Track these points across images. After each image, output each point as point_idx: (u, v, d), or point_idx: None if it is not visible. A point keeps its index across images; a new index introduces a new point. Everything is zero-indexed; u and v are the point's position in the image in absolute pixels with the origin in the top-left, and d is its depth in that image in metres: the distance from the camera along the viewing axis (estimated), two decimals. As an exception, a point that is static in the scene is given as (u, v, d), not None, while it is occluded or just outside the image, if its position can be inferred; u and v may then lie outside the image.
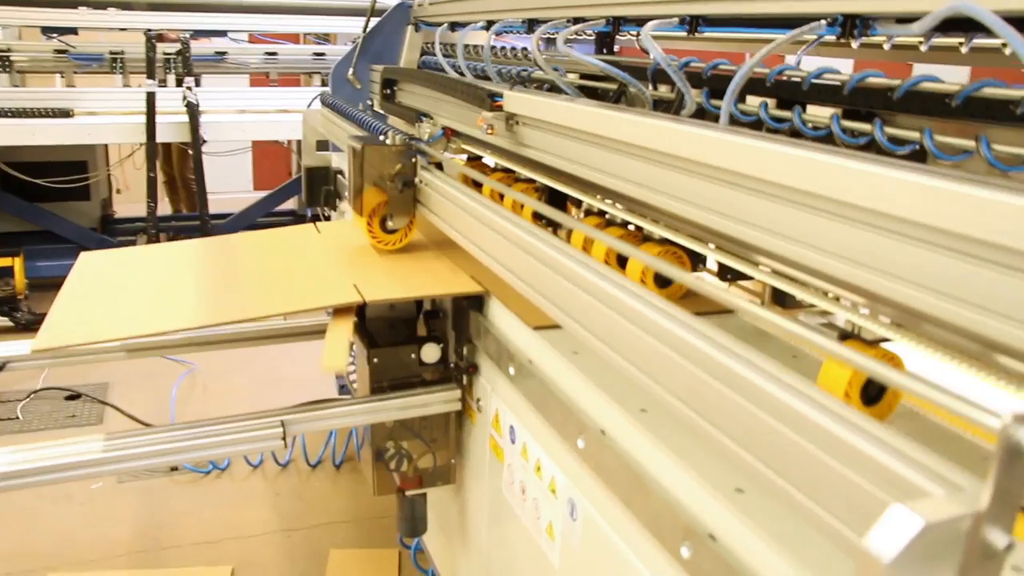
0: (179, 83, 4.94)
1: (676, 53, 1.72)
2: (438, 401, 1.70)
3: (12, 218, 5.10)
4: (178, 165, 5.95)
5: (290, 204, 5.99)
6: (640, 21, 1.72)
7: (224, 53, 5.22)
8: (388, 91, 2.88)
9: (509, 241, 1.42)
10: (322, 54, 5.46)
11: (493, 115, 1.79)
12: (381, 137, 1.90)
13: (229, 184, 7.37)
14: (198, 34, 5.05)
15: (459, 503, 1.86)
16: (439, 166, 1.98)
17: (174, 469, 3.10)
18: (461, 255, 1.84)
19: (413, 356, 1.70)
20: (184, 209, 6.10)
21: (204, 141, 4.52)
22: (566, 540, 1.32)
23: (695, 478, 0.98)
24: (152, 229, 4.56)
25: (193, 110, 4.43)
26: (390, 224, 1.82)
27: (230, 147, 5.50)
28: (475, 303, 1.63)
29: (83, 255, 2.14)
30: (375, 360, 1.69)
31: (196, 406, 3.66)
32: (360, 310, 1.83)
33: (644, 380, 1.03)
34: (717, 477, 0.96)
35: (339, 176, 3.06)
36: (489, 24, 2.47)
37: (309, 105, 3.24)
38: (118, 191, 5.90)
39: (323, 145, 3.29)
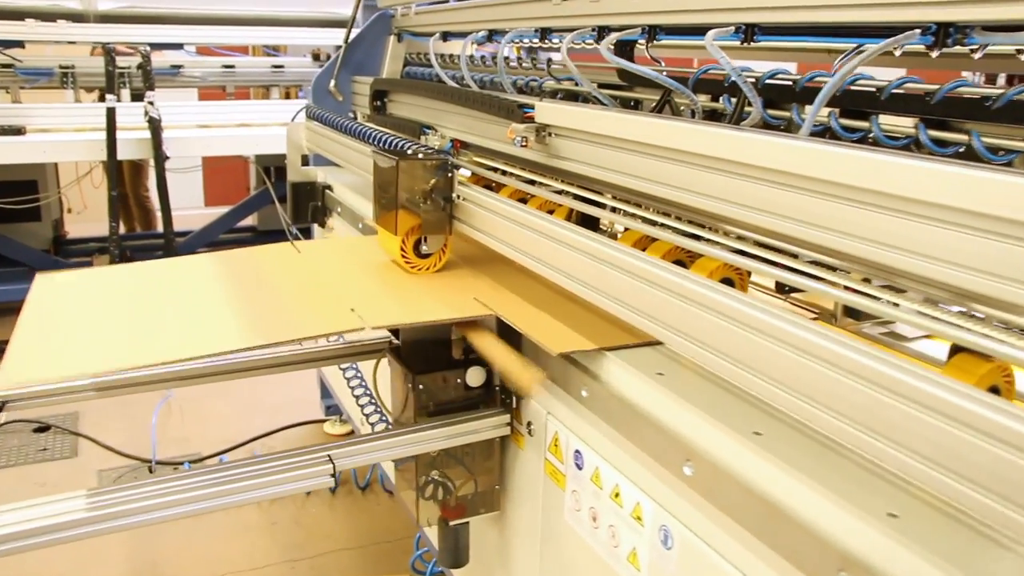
0: (134, 98, 4.77)
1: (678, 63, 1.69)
2: (487, 427, 1.63)
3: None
4: (131, 183, 5.76)
5: (249, 220, 5.85)
6: (675, 30, 1.69)
7: (180, 66, 5.06)
8: (378, 103, 2.81)
9: (592, 257, 1.37)
10: (280, 66, 5.33)
11: (525, 127, 1.73)
12: (409, 151, 1.82)
13: (180, 201, 7.17)
14: (153, 47, 4.88)
15: (502, 531, 1.79)
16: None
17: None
18: (502, 272, 1.78)
19: (459, 381, 1.63)
20: (138, 228, 5.90)
21: (167, 157, 4.36)
22: (657, 568, 1.26)
23: (841, 503, 0.93)
24: (115, 249, 4.37)
25: (155, 125, 4.27)
26: (424, 248, 1.74)
27: (185, 163, 5.34)
28: (524, 321, 1.56)
29: (39, 277, 1.98)
30: (420, 386, 1.61)
31: (174, 434, 3.52)
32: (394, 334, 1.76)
33: (784, 397, 0.98)
34: (864, 501, 0.92)
35: (327, 191, 2.96)
36: (491, 34, 2.42)
37: (293, 119, 3.13)
38: (69, 210, 5.68)
39: (304, 160, 3.20)
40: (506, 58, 2.75)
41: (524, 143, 1.71)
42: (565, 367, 1.42)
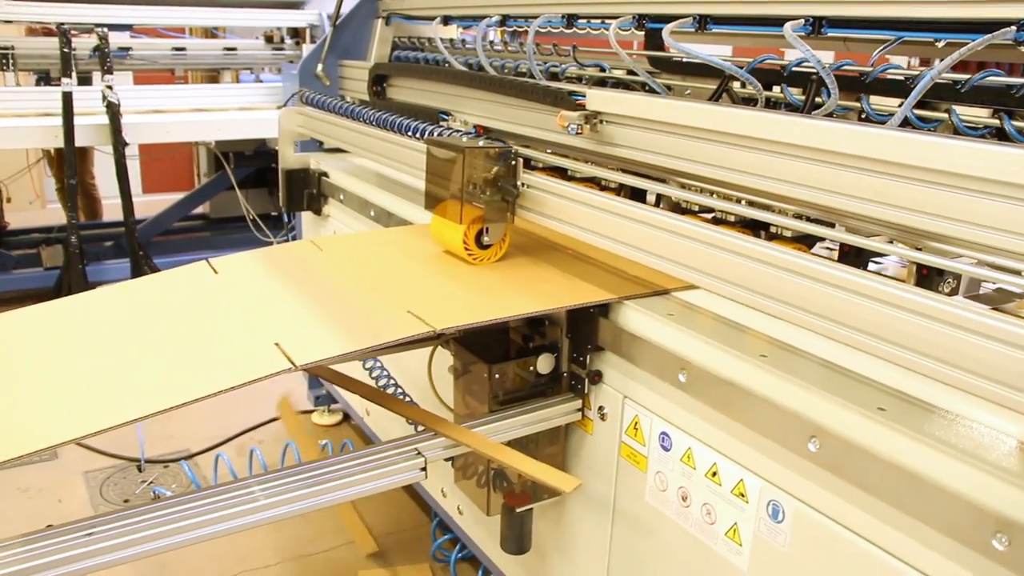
0: (81, 82, 4.58)
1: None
2: (559, 413, 1.65)
3: None
4: (78, 170, 5.54)
5: (200, 209, 5.71)
6: (726, 20, 1.73)
7: (128, 49, 4.88)
8: (377, 88, 2.78)
9: (700, 243, 1.40)
10: (233, 49, 5.19)
11: (578, 114, 1.74)
12: (465, 138, 1.82)
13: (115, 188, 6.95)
14: (96, 28, 4.69)
15: (562, 515, 1.81)
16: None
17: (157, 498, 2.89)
18: (566, 261, 1.79)
19: (532, 368, 1.65)
20: (83, 217, 5.69)
21: (126, 144, 4.22)
22: (763, 543, 1.31)
23: (989, 470, 0.99)
24: (75, 239, 4.22)
25: (114, 110, 4.13)
26: (485, 238, 1.74)
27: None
28: (602, 309, 1.59)
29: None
30: (496, 376, 1.62)
31: (157, 431, 3.43)
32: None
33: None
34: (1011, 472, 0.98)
35: (323, 178, 2.92)
36: (504, 19, 2.42)
37: (285, 104, 3.07)
38: (8, 200, 5.45)
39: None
40: (505, 43, 2.76)
41: (580, 130, 1.72)
42: (659, 353, 1.45)
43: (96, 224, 5.56)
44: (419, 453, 1.49)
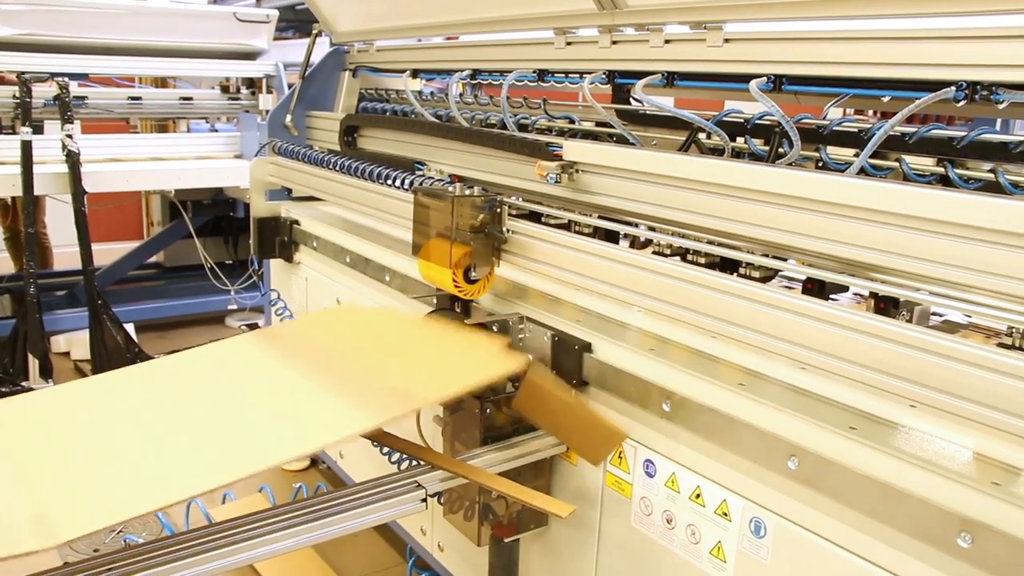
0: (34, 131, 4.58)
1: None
2: (545, 446, 1.75)
3: None
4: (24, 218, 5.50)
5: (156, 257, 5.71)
6: (692, 76, 1.88)
7: (84, 98, 4.90)
8: (348, 138, 2.88)
9: (677, 279, 1.53)
10: (189, 98, 5.24)
11: (556, 164, 1.86)
12: (450, 189, 1.92)
13: (61, 237, 6.89)
14: (52, 76, 4.71)
15: (547, 544, 1.90)
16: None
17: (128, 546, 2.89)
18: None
19: (519, 403, 1.74)
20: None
21: (85, 193, 4.23)
22: (747, 558, 1.42)
23: (954, 477, 1.12)
24: (32, 288, 4.20)
25: (75, 159, 4.15)
26: (473, 274, 1.85)
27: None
28: (586, 346, 1.70)
29: None
30: (488, 410, 1.71)
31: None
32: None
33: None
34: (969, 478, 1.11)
35: (295, 226, 3.00)
36: (475, 73, 2.55)
37: (257, 154, 3.15)
38: (-44, 249, 5.38)
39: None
40: (476, 95, 2.89)
41: (558, 179, 1.84)
42: (643, 385, 1.56)
43: (48, 273, 5.50)
44: (419, 485, 1.56)
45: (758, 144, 1.79)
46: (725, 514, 1.46)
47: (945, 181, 1.56)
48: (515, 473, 1.79)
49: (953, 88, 1.37)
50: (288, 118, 3.21)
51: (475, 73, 2.53)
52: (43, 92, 4.52)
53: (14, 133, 4.47)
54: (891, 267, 1.31)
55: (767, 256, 1.56)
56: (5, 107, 4.55)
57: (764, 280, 1.57)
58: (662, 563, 1.59)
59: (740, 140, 1.85)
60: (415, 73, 2.84)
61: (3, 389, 4.18)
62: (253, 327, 5.20)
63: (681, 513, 1.54)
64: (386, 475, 1.61)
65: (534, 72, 2.28)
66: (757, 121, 1.79)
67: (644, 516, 1.63)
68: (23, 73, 4.25)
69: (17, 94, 4.33)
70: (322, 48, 3.33)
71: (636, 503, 1.64)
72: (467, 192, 1.88)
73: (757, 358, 1.47)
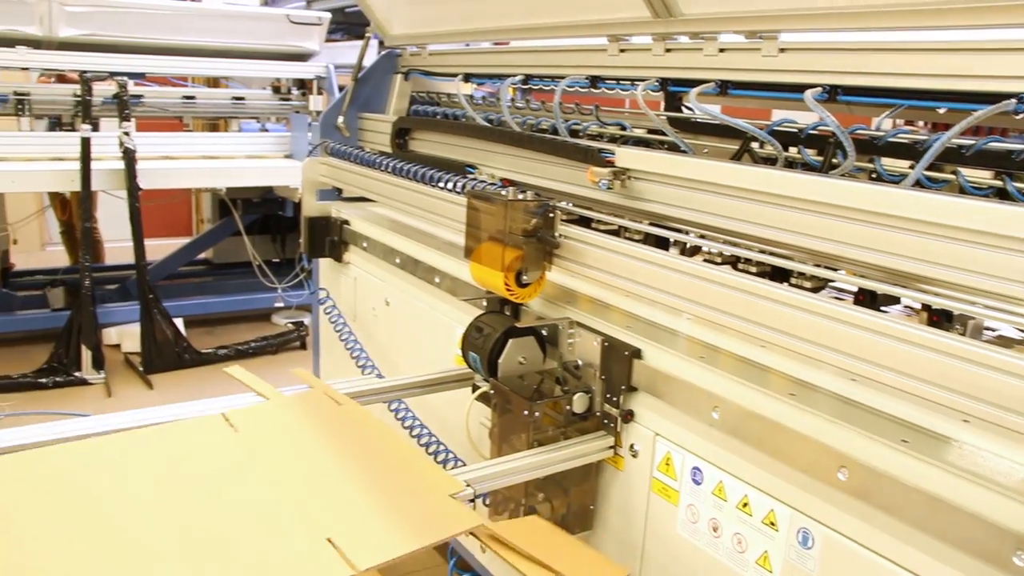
0: (95, 128, 4.71)
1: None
2: (593, 450, 1.76)
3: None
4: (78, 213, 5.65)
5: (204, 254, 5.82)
6: (745, 85, 1.88)
7: (141, 96, 5.01)
8: (400, 140, 2.92)
9: (729, 288, 1.54)
10: (241, 98, 5.34)
11: (608, 171, 1.87)
12: (504, 192, 1.94)
13: (113, 232, 7.05)
14: (113, 76, 4.83)
15: (596, 549, 1.91)
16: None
17: None
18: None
19: (568, 407, 1.76)
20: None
21: (140, 189, 4.33)
22: (793, 569, 1.42)
23: (1009, 494, 1.11)
24: (87, 281, 4.31)
25: (130, 156, 4.25)
26: (524, 278, 1.87)
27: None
28: (635, 352, 1.71)
29: None
30: (536, 414, 1.73)
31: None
32: (494, 362, 1.87)
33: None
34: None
35: (345, 226, 3.04)
36: (527, 79, 2.57)
37: (309, 154, 3.20)
38: (15, 242, 5.53)
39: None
40: (527, 100, 2.91)
41: (610, 185, 1.86)
42: (693, 392, 1.57)
43: (102, 267, 5.63)
44: (467, 484, 1.59)
45: (811, 154, 1.79)
46: (772, 524, 1.46)
47: (1003, 194, 1.54)
48: (562, 476, 1.81)
49: (1014, 100, 1.36)
50: (340, 119, 3.25)
51: (527, 78, 2.55)
52: (101, 91, 4.65)
53: (73, 130, 4.60)
54: (945, 280, 1.30)
55: (819, 266, 1.56)
56: (66, 105, 4.68)
57: (815, 290, 1.57)
58: (708, 571, 1.60)
59: (793, 150, 1.85)
60: (467, 77, 2.87)
61: (58, 378, 4.30)
62: (299, 324, 5.28)
63: (728, 521, 1.55)
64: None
65: (587, 78, 2.29)
66: (811, 131, 1.79)
67: (690, 524, 1.63)
68: (85, 72, 4.36)
69: (78, 92, 4.45)
70: (374, 51, 3.37)
71: (683, 510, 1.65)
72: (520, 196, 1.89)
73: (807, 368, 1.47)
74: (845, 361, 1.39)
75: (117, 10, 4.64)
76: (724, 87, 1.89)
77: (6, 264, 5.29)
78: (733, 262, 1.74)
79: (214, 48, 5.04)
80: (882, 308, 1.60)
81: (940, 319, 1.49)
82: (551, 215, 1.87)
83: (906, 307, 1.75)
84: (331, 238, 3.08)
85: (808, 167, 1.78)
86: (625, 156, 1.88)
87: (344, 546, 1.30)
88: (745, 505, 1.51)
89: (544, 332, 1.92)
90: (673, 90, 2.05)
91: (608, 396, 1.77)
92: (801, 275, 1.60)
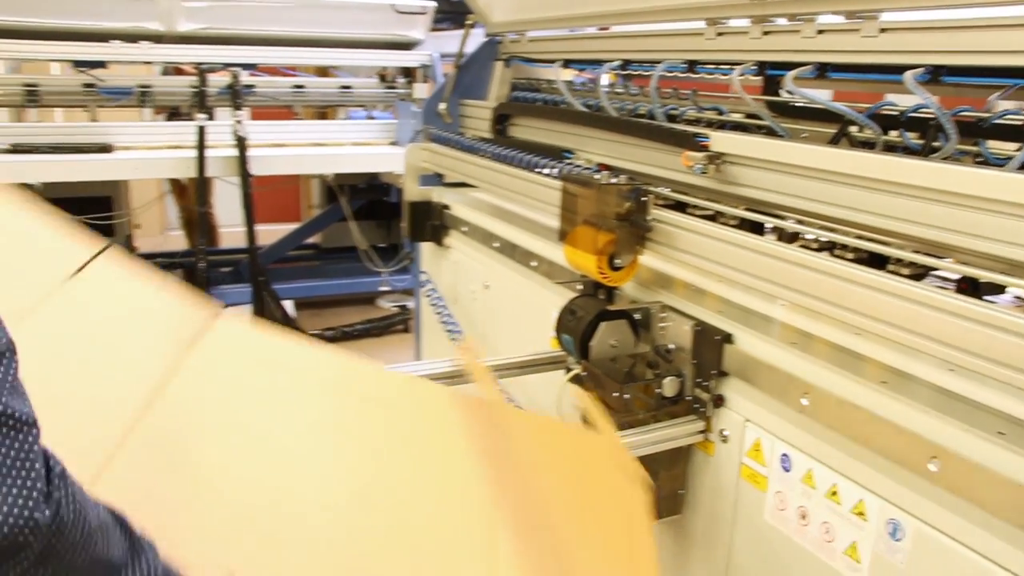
0: (210, 117, 4.92)
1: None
2: (683, 434, 1.76)
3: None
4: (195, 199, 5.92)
5: (313, 238, 6.01)
6: (845, 68, 1.84)
7: (252, 86, 5.20)
8: (499, 126, 2.96)
9: (824, 274, 1.52)
10: (349, 87, 5.48)
11: (702, 155, 1.86)
12: (597, 177, 1.96)
13: (227, 218, 7.34)
14: (227, 67, 5.03)
15: (679, 533, 1.91)
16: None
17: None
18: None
19: (657, 391, 1.76)
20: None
21: (251, 176, 4.51)
22: (882, 561, 1.40)
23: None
24: (203, 265, 4.52)
25: (243, 144, 4.43)
26: (617, 261, 1.88)
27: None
28: (726, 336, 1.70)
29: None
30: (626, 396, 1.75)
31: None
32: (586, 344, 1.89)
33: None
34: None
35: (445, 211, 3.10)
36: (625, 64, 2.57)
37: (411, 140, 3.28)
38: (138, 226, 5.83)
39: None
40: (626, 86, 2.90)
41: (704, 170, 1.84)
42: (783, 378, 1.56)
43: (215, 251, 5.88)
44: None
45: (912, 138, 1.74)
46: (861, 514, 1.44)
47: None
48: (652, 460, 1.81)
49: None
50: (442, 106, 3.30)
51: (625, 63, 2.55)
52: (215, 82, 4.86)
53: (189, 120, 4.82)
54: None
55: (918, 253, 1.52)
56: (184, 96, 4.91)
57: (914, 278, 1.53)
58: (795, 559, 1.59)
59: (894, 134, 1.80)
60: (567, 63, 2.88)
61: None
62: (403, 308, 5.40)
63: (816, 510, 1.53)
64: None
65: (684, 63, 2.28)
66: (911, 114, 1.74)
67: (779, 511, 1.62)
68: (201, 64, 4.56)
69: (195, 83, 4.66)
70: (476, 39, 3.41)
71: (771, 497, 1.63)
72: (613, 180, 1.90)
73: (902, 357, 1.44)
74: (942, 350, 1.35)
75: (232, 4, 4.83)
76: (823, 70, 1.85)
77: (129, 247, 5.58)
78: (829, 248, 1.71)
79: (322, 38, 5.19)
80: (985, 297, 1.55)
81: (1048, 309, 1.44)
82: (643, 199, 1.87)
83: (1016, 297, 1.69)
84: (432, 222, 3.15)
85: (909, 151, 1.73)
86: (720, 140, 1.86)
87: None
88: (834, 494, 1.49)
89: (636, 316, 1.93)
90: (771, 73, 2.01)
91: (699, 381, 1.77)
92: (899, 262, 1.56)
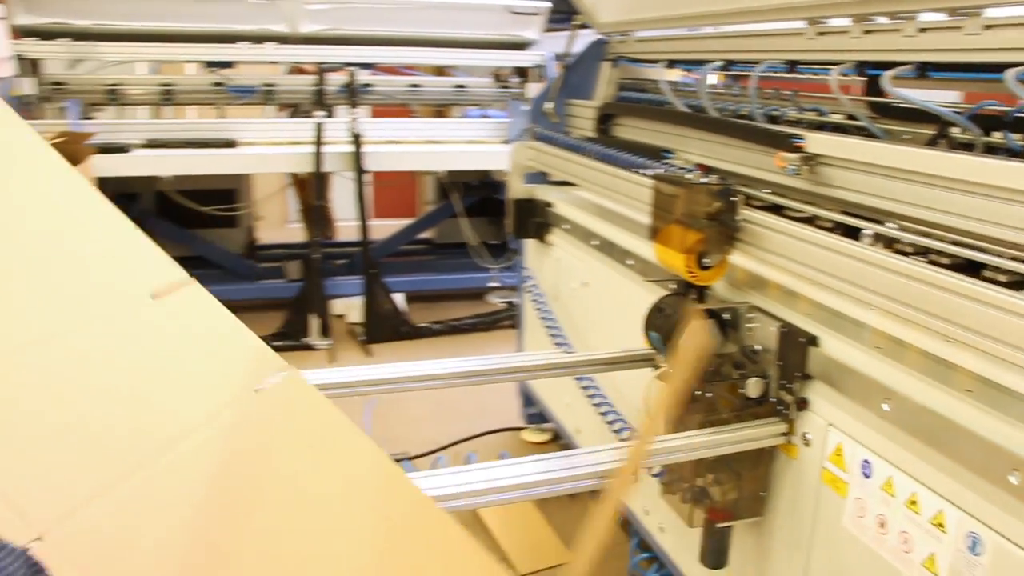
0: (329, 114, 5.11)
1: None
2: (765, 435, 1.75)
3: (167, 245, 5.31)
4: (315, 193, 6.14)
5: (426, 233, 6.16)
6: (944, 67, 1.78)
7: (370, 85, 5.37)
8: (603, 126, 2.98)
9: (916, 280, 1.49)
10: (463, 86, 5.59)
11: (797, 156, 1.84)
12: (688, 176, 1.97)
13: (348, 212, 7.58)
14: (346, 67, 5.20)
15: (761, 536, 1.90)
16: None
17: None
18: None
19: (741, 390, 1.76)
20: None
21: (365, 171, 4.66)
22: (960, 574, 1.36)
23: None
24: (317, 256, 4.71)
25: (358, 140, 4.58)
26: (706, 261, 1.88)
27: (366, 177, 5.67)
28: (811, 339, 1.68)
29: None
30: (708, 395, 1.75)
31: (381, 434, 3.76)
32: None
33: None
34: None
35: (548, 208, 3.15)
36: (727, 64, 2.55)
37: (518, 139, 3.34)
38: (260, 218, 6.10)
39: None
40: (728, 86, 2.88)
41: (797, 171, 1.83)
42: (866, 383, 1.53)
43: (331, 243, 6.09)
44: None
45: (1016, 139, 1.68)
46: (940, 525, 1.40)
47: None
48: (734, 460, 1.81)
49: None
50: (549, 105, 3.35)
51: (728, 64, 2.54)
52: (334, 80, 5.05)
53: (309, 117, 5.02)
54: None
55: (1015, 260, 1.47)
56: (304, 94, 5.12)
57: (1010, 285, 1.48)
58: (873, 568, 1.56)
59: (998, 135, 1.74)
60: (671, 63, 2.89)
61: (289, 342, 4.72)
62: (511, 304, 5.48)
63: (895, 519, 1.50)
64: (604, 446, 1.70)
65: (784, 63, 2.25)
66: (1016, 115, 1.68)
67: (858, 518, 1.59)
68: (321, 63, 4.74)
69: (315, 82, 4.86)
70: (585, 39, 3.44)
71: (851, 503, 1.61)
72: (703, 180, 1.91)
73: (990, 366, 1.40)
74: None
75: (351, 6, 5.00)
76: (923, 69, 1.81)
77: (251, 238, 5.84)
78: (923, 253, 1.66)
79: (438, 38, 5.31)
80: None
81: None
82: (733, 199, 1.87)
83: None
84: (535, 220, 3.20)
85: (1012, 153, 1.67)
86: (815, 141, 1.84)
87: None
88: (913, 503, 1.46)
89: (724, 315, 1.92)
90: (871, 73, 1.97)
91: (783, 383, 1.75)
92: (996, 269, 1.51)
